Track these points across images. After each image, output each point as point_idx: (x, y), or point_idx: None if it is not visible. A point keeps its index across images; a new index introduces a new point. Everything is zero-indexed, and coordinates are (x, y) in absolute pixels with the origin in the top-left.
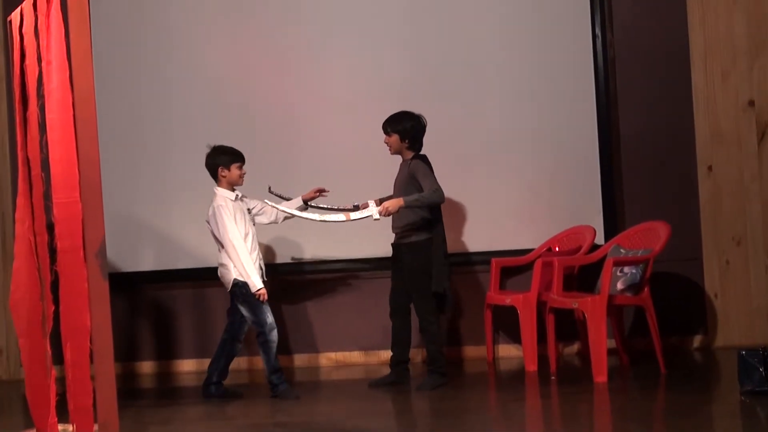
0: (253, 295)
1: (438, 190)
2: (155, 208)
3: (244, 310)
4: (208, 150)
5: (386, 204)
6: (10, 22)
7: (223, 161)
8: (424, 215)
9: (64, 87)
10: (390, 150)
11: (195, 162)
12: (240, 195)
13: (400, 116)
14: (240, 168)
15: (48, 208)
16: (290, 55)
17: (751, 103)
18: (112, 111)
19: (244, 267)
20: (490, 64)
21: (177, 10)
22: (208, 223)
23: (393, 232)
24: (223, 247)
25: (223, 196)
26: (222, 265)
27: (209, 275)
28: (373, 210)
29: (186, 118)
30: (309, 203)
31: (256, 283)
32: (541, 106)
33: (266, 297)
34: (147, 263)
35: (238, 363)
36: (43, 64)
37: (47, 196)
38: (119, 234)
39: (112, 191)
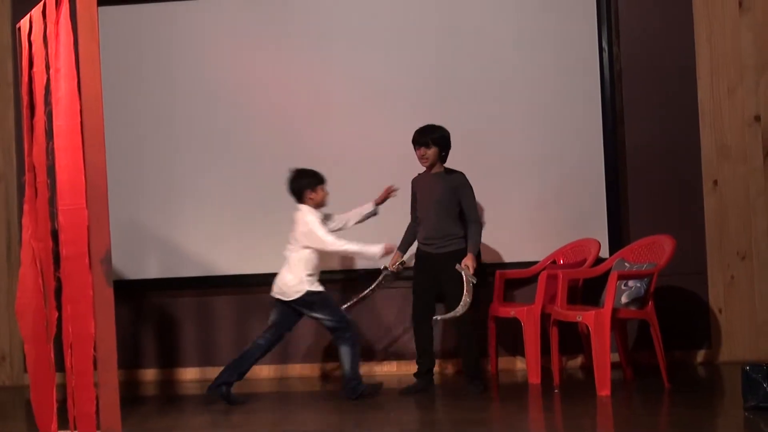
0: (327, 298)
1: (480, 221)
2: (161, 216)
3: (322, 315)
4: (290, 174)
5: (468, 263)
6: (19, 29)
7: (310, 184)
8: (460, 225)
9: (72, 94)
10: (426, 162)
11: (200, 170)
12: (324, 215)
13: (433, 127)
14: (324, 189)
15: (53, 215)
16: (297, 61)
17: (757, 118)
18: (118, 118)
19: (359, 250)
20: (497, 77)
21: (183, 18)
22: (295, 240)
23: (425, 242)
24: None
25: (312, 213)
26: (290, 278)
27: (214, 283)
28: (469, 276)
29: (192, 126)
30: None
31: (372, 249)
32: (547, 118)
33: (392, 246)
34: (152, 271)
35: None
36: (51, 71)
37: (53, 202)
38: (124, 241)
39: (117, 198)
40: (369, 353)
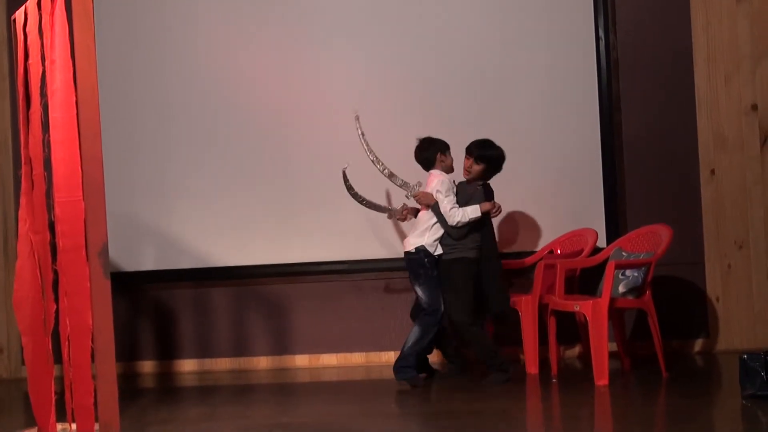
0: (432, 269)
1: (460, 226)
2: (157, 208)
3: (420, 286)
4: (418, 142)
5: (423, 190)
6: (15, 20)
7: (441, 148)
8: (473, 235)
9: (68, 86)
10: (466, 174)
11: (197, 162)
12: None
13: (492, 145)
14: (449, 155)
15: (50, 207)
16: (295, 56)
17: (754, 107)
18: (114, 110)
19: (471, 214)
20: (493, 67)
21: (179, 10)
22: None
23: (443, 244)
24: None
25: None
26: (411, 235)
27: (211, 275)
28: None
29: (188, 118)
30: None
31: (476, 209)
32: (544, 108)
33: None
34: (149, 263)
35: (238, 363)
36: (47, 63)
37: (50, 195)
38: (121, 233)
39: (114, 190)
40: (375, 344)
